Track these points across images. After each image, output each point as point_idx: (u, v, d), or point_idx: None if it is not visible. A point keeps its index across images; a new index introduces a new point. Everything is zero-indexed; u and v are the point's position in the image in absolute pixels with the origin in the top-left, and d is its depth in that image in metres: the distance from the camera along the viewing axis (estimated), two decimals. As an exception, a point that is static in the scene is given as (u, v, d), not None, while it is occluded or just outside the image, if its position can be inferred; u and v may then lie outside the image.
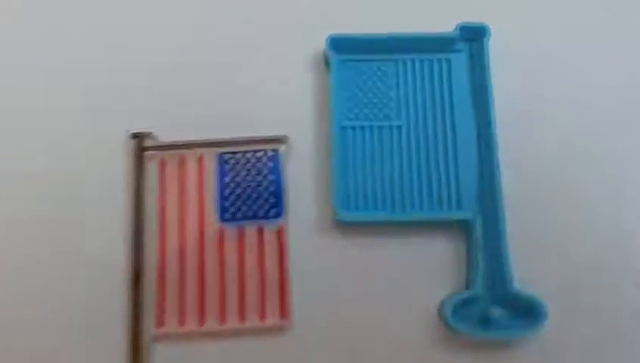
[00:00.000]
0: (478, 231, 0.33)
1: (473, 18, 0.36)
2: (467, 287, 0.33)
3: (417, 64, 0.36)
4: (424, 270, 0.33)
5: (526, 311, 0.32)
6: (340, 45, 0.35)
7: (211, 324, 0.32)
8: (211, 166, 0.34)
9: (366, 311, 0.33)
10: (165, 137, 0.35)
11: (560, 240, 0.34)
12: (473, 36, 0.36)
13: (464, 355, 0.32)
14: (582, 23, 0.39)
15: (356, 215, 0.33)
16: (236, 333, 0.32)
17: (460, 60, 0.36)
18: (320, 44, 0.35)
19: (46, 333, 0.32)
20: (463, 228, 0.34)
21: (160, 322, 0.32)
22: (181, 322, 0.32)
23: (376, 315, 0.32)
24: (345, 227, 0.34)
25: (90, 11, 0.38)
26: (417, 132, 0.35)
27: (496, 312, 0.32)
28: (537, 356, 0.32)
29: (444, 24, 0.35)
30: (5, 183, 0.35)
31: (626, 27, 0.39)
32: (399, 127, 0.35)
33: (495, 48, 0.35)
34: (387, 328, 0.32)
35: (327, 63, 0.36)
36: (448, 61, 0.36)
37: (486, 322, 0.32)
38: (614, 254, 0.34)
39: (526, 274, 0.32)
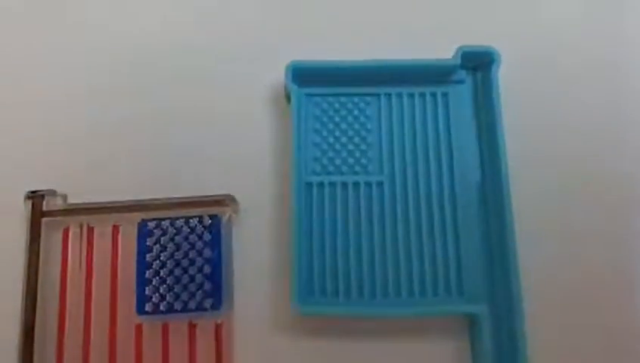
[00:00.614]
0: (486, 328, 0.24)
1: (477, 41, 0.27)
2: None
3: (405, 100, 0.27)
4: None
5: None
6: (305, 75, 0.27)
7: None
8: (129, 239, 0.25)
9: None
10: (74, 198, 0.26)
11: (596, 344, 0.25)
12: (478, 63, 0.27)
13: None
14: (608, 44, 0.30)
15: (323, 308, 0.25)
16: None
17: (461, 94, 0.28)
18: (280, 74, 0.27)
19: None
20: (466, 324, 0.25)
21: None
22: None
23: None
24: (308, 322, 0.25)
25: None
26: (405, 191, 0.26)
27: None
28: None
29: (441, 49, 0.27)
30: None
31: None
32: (380, 183, 0.26)
33: (506, 79, 0.27)
34: None
35: (288, 98, 0.28)
36: (446, 95, 0.28)
37: None
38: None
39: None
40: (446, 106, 0.28)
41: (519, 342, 0.23)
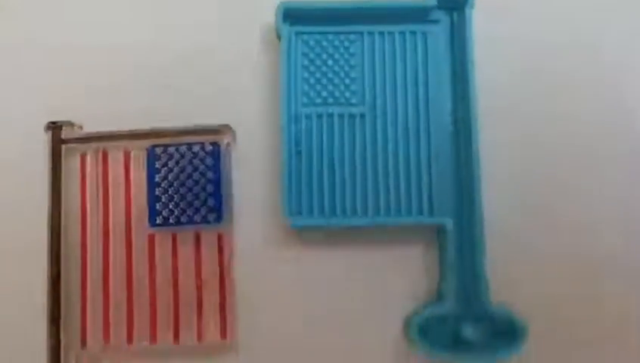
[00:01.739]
0: (452, 238, 0.28)
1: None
2: (438, 302, 0.28)
3: (386, 38, 0.30)
4: (388, 283, 0.29)
5: (504, 331, 0.27)
6: (294, 15, 0.29)
7: (140, 342, 0.28)
8: (140, 162, 0.29)
9: (322, 330, 0.28)
10: (89, 128, 0.30)
11: (546, 252, 0.29)
12: (454, 5, 0.30)
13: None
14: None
15: (312, 220, 0.28)
16: (168, 353, 0.28)
17: (438, 34, 0.30)
18: (271, 15, 0.29)
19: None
20: (435, 235, 0.29)
21: (83, 341, 0.28)
22: (106, 341, 0.28)
23: (334, 334, 0.28)
24: (299, 234, 0.29)
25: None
26: (385, 121, 0.29)
27: (469, 331, 0.28)
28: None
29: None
30: None
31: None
32: (363, 115, 0.29)
33: (480, 23, 0.29)
34: (345, 349, 0.28)
35: (278, 37, 0.30)
36: (424, 35, 0.30)
37: (457, 342, 0.28)
38: (600, 266, 0.29)
39: (504, 288, 0.28)
40: (425, 43, 0.30)
41: (477, 249, 0.28)
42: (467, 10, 0.29)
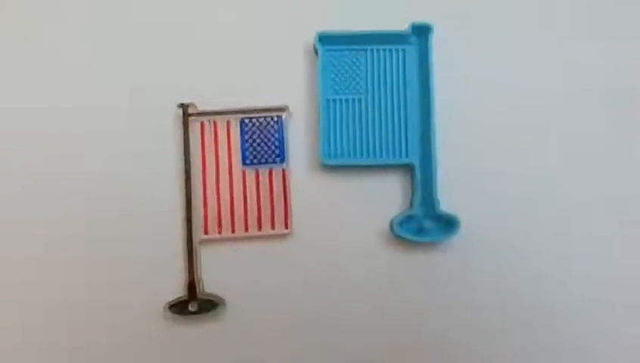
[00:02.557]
0: (418, 171, 0.48)
1: (425, 18, 0.49)
2: (410, 208, 0.49)
3: (380, 53, 0.50)
4: (381, 198, 0.49)
5: (447, 224, 0.48)
6: (326, 39, 0.49)
7: (239, 232, 0.48)
8: (236, 128, 0.49)
9: (340, 225, 0.49)
10: (202, 106, 0.49)
11: (477, 182, 0.50)
12: (422, 33, 0.49)
13: (406, 252, 0.49)
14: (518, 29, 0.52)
15: (335, 160, 0.49)
16: (255, 238, 0.49)
17: (412, 50, 0.50)
18: (312, 38, 0.49)
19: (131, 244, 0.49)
20: (409, 169, 0.49)
21: (205, 231, 0.48)
22: (219, 231, 0.48)
23: (347, 228, 0.49)
24: (327, 169, 0.49)
25: (135, 13, 0.51)
26: (380, 103, 0.49)
27: (427, 224, 0.48)
28: (454, 254, 0.49)
29: (402, 23, 0.49)
30: (91, 142, 0.50)
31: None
32: (367, 99, 0.49)
33: (439, 44, 0.49)
34: (355, 237, 0.49)
35: (316, 52, 0.50)
36: (404, 51, 0.50)
37: (420, 231, 0.48)
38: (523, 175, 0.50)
39: (449, 200, 0.48)
40: (404, 56, 0.50)
41: (432, 178, 0.48)
42: (429, 36, 0.49)
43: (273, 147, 0.48)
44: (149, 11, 0.51)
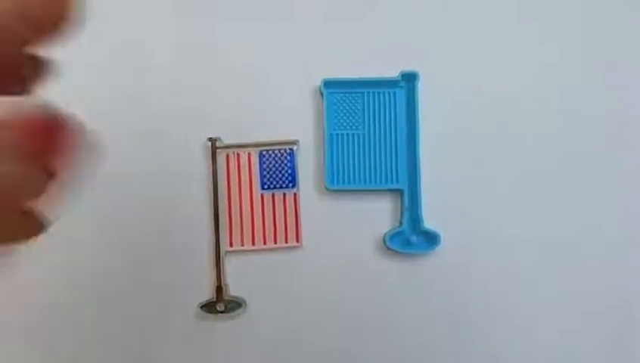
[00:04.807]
0: (406, 195, 0.58)
1: (412, 67, 0.59)
2: (399, 226, 0.59)
3: (375, 96, 0.60)
4: (376, 216, 0.59)
5: (430, 239, 0.58)
6: (330, 84, 0.59)
7: (258, 244, 0.58)
8: (255, 158, 0.59)
9: (342, 238, 0.59)
10: (228, 140, 0.59)
11: (455, 204, 0.60)
12: (410, 79, 0.59)
13: (396, 261, 0.59)
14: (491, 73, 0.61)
15: (337, 185, 0.59)
16: (271, 250, 0.59)
17: (402, 93, 0.60)
18: (318, 83, 0.59)
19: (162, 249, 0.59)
20: (398, 192, 0.59)
21: (230, 244, 0.58)
22: (242, 244, 0.58)
23: (347, 241, 0.59)
24: (331, 193, 0.59)
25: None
26: (375, 137, 0.59)
27: (414, 239, 0.58)
28: (436, 263, 0.59)
29: (393, 70, 0.59)
30: (138, 164, 0.60)
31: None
32: (364, 134, 0.59)
33: (425, 87, 0.59)
34: (353, 249, 0.59)
35: (322, 94, 0.60)
36: (394, 94, 0.60)
37: (408, 244, 0.58)
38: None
39: (432, 219, 0.58)
40: (394, 100, 0.60)
41: (418, 201, 0.58)
42: (416, 82, 0.59)
43: (286, 175, 0.58)
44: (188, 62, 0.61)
